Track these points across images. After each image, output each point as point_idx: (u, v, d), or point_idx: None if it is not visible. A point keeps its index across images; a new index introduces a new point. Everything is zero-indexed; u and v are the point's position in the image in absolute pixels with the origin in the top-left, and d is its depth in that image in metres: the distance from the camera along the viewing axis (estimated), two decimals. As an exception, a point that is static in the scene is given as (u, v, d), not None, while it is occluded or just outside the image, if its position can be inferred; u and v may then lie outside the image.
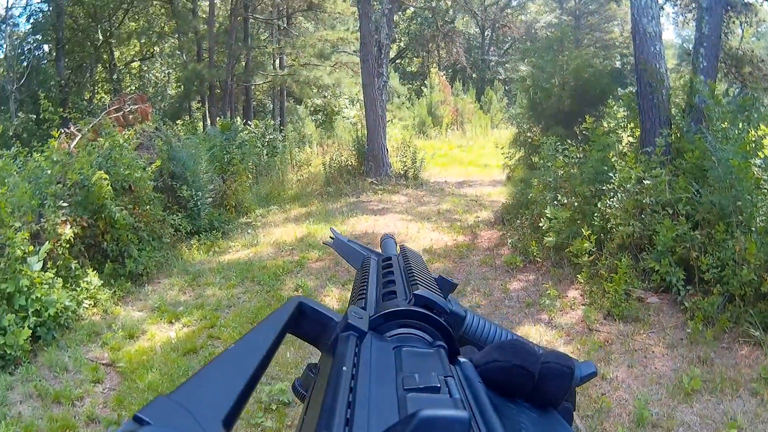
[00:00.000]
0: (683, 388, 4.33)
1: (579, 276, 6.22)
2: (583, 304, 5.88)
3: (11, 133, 10.47)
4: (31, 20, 18.92)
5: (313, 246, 8.40)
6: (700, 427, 3.98)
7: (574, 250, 6.30)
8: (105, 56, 20.55)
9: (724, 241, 5.15)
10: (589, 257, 6.17)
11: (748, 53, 9.69)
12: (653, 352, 4.93)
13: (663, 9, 9.38)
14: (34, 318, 5.31)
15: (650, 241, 5.86)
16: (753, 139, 5.42)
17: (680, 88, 7.26)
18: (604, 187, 6.50)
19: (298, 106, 22.28)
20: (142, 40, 21.30)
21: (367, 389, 0.39)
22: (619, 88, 8.84)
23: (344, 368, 0.41)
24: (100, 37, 19.99)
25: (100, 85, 20.99)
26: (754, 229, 5.09)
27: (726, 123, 5.72)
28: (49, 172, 6.58)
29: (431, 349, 0.51)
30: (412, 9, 25.46)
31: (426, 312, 0.57)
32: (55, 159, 6.81)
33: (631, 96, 7.43)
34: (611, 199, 6.32)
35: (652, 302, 5.65)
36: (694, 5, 8.42)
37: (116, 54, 21.12)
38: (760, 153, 5.41)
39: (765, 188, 5.26)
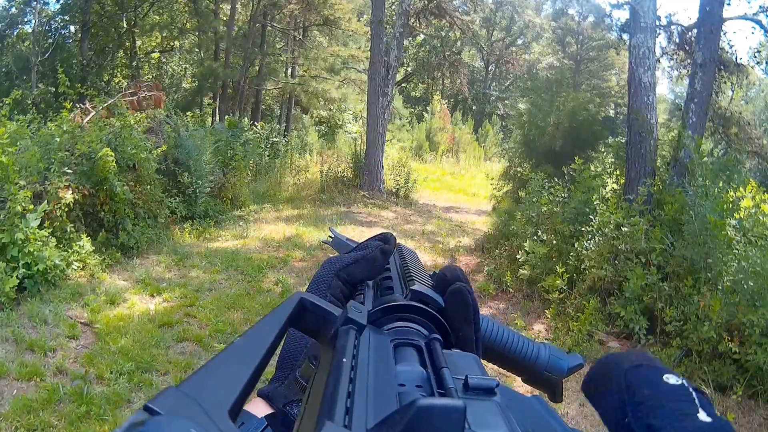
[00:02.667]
0: None
1: (547, 311, 6.22)
2: (546, 339, 5.85)
3: (30, 102, 10.44)
4: (61, 0, 18.98)
5: (299, 246, 8.43)
6: None
7: (546, 286, 6.31)
8: (128, 43, 20.54)
9: (690, 295, 5.16)
10: (559, 294, 6.19)
11: (736, 114, 9.81)
12: None
13: (659, 62, 9.48)
14: (24, 270, 5.34)
15: (619, 287, 5.86)
16: (731, 199, 5.45)
17: (668, 143, 7.33)
18: (583, 229, 6.52)
19: (304, 115, 22.31)
20: (164, 34, 21.38)
21: (365, 380, 0.39)
22: (610, 137, 8.90)
23: (344, 360, 0.41)
24: (125, 25, 20.04)
25: (119, 70, 20.97)
26: (720, 287, 5.10)
27: (707, 180, 5.75)
28: (58, 139, 6.60)
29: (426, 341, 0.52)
30: (422, 36, 25.59)
31: (422, 306, 0.57)
32: (65, 128, 6.83)
33: (620, 145, 7.49)
34: (588, 241, 6.35)
35: (613, 346, 5.64)
36: (689, 61, 8.53)
37: (138, 43, 21.12)
38: (735, 214, 5.44)
39: (736, 249, 5.25)
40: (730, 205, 5.44)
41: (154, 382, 4.33)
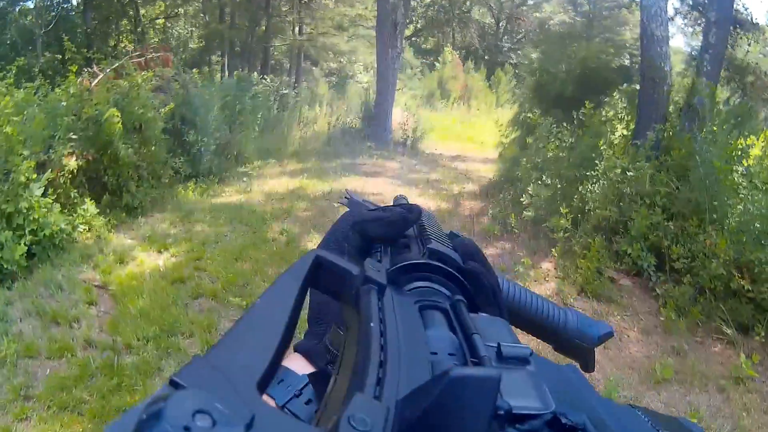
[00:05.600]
0: (655, 376, 4.24)
1: (553, 249, 6.11)
2: (556, 277, 5.77)
3: (37, 70, 10.31)
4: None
5: (302, 198, 8.37)
6: (663, 413, 3.87)
7: (551, 226, 6.21)
8: (131, 12, 20.21)
9: (696, 234, 5.04)
10: (564, 234, 6.08)
11: (752, 64, 9.53)
12: (628, 336, 4.82)
13: (672, 20, 9.21)
14: (30, 237, 5.30)
15: (624, 227, 5.75)
16: (740, 146, 5.27)
17: (682, 89, 7.09)
18: (588, 173, 6.39)
19: (314, 68, 22.04)
20: (167, 1, 20.99)
21: (397, 348, 0.37)
22: (625, 83, 8.66)
23: (372, 325, 0.39)
24: (127, -5, 19.67)
25: (124, 35, 20.69)
26: (726, 228, 4.96)
27: (717, 127, 5.57)
28: (65, 103, 6.53)
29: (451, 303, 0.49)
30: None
31: (441, 265, 0.54)
32: (71, 92, 6.74)
33: (633, 91, 7.31)
34: (593, 185, 6.22)
35: (625, 284, 5.53)
36: (703, 20, 8.22)
37: (141, 11, 20.79)
38: (744, 161, 5.26)
39: (742, 194, 5.10)
40: (739, 153, 5.24)
41: (181, 346, 4.30)
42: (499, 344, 0.40)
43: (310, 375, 0.58)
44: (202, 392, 0.24)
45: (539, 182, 6.98)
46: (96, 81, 7.91)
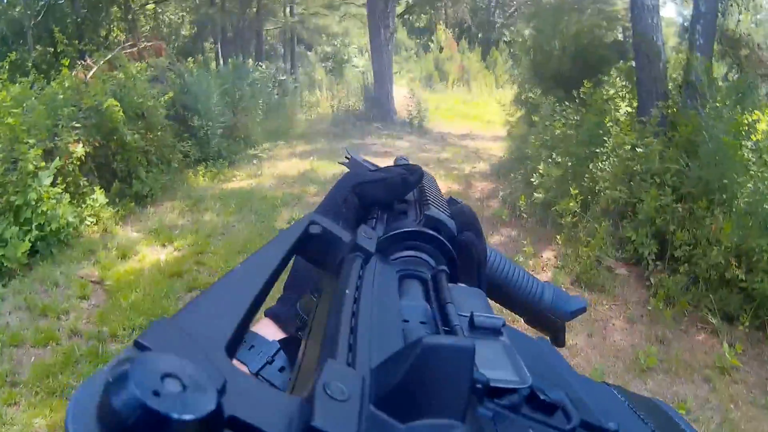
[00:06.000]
0: (639, 365, 4.24)
1: (558, 237, 6.05)
2: (555, 267, 5.74)
3: (30, 64, 10.29)
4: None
5: (313, 181, 8.33)
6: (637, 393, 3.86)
7: (560, 209, 6.11)
8: (120, -1, 20.04)
9: (704, 218, 4.97)
10: (572, 218, 5.99)
11: (745, 36, 9.38)
12: (613, 324, 4.81)
13: None
14: (37, 232, 5.27)
15: (633, 210, 5.68)
16: (747, 122, 5.17)
17: (679, 66, 6.99)
18: (597, 150, 6.29)
19: (308, 52, 21.92)
20: (156, -14, 20.76)
21: (369, 315, 0.36)
22: (621, 61, 8.56)
23: (347, 291, 0.39)
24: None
25: (115, 23, 20.51)
26: (734, 209, 4.90)
27: (719, 103, 5.50)
28: (62, 96, 6.47)
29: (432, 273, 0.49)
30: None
31: (432, 233, 0.54)
32: (67, 85, 6.71)
33: (630, 68, 7.19)
34: (603, 162, 6.12)
35: (620, 273, 5.48)
36: None
37: (130, -2, 20.60)
38: (752, 136, 5.18)
39: (752, 171, 5.01)
40: (746, 128, 5.15)
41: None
42: (472, 314, 0.39)
43: (281, 341, 0.57)
44: (170, 355, 0.23)
45: (550, 160, 6.89)
46: (90, 73, 7.92)
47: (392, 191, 0.63)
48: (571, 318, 0.75)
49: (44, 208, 5.30)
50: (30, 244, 5.12)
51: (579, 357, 4.30)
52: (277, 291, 0.63)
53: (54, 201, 5.45)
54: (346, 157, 0.83)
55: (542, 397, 0.33)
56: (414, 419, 0.27)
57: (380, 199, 0.63)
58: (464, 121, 14.61)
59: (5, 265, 4.93)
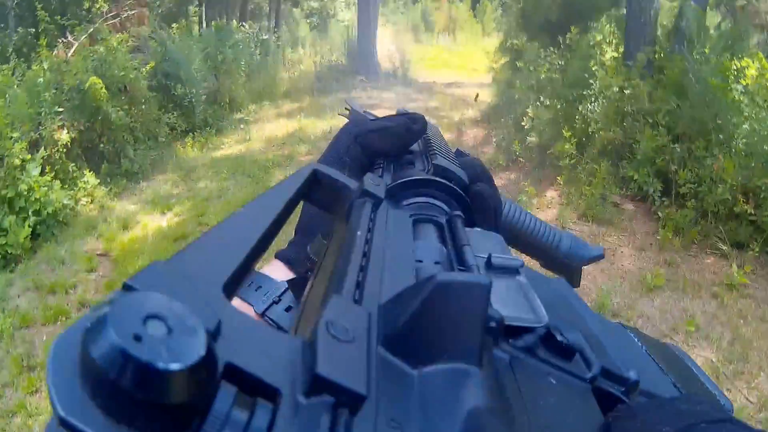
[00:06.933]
0: (646, 284, 4.28)
1: (559, 177, 6.05)
2: (560, 204, 5.75)
3: (11, 50, 10.09)
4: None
5: (303, 140, 8.28)
6: (659, 320, 3.94)
7: (556, 153, 6.12)
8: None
9: (704, 158, 4.96)
10: (570, 160, 5.98)
11: None
12: (622, 252, 4.85)
13: None
14: (34, 217, 5.27)
15: (630, 150, 5.67)
16: (735, 67, 5.12)
17: (671, 15, 6.93)
18: (585, 93, 6.26)
19: (294, 9, 21.48)
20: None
21: (381, 254, 0.35)
22: (613, 9, 8.44)
23: (358, 232, 0.37)
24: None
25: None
26: (733, 150, 4.88)
27: (707, 49, 5.46)
28: (41, 79, 6.33)
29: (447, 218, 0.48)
30: None
31: (444, 182, 0.52)
32: (46, 66, 6.58)
33: (620, 16, 7.11)
34: (593, 104, 6.10)
35: (627, 209, 5.52)
36: None
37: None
38: (742, 80, 5.11)
39: (746, 113, 4.97)
40: (735, 73, 5.10)
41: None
42: (489, 255, 0.38)
43: (289, 281, 0.56)
44: (156, 294, 0.20)
45: (538, 103, 6.86)
46: (72, 50, 7.78)
47: (396, 140, 0.61)
48: (588, 263, 0.75)
49: (37, 196, 5.30)
50: (30, 229, 5.13)
51: (586, 280, 4.32)
52: (288, 237, 0.63)
53: (45, 188, 5.44)
54: (345, 108, 0.80)
55: (559, 338, 0.32)
56: (426, 363, 0.25)
57: (384, 149, 0.62)
58: (449, 71, 14.49)
59: (9, 252, 4.95)
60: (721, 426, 0.28)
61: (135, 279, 0.23)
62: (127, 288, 0.23)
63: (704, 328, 3.82)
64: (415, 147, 0.65)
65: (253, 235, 0.32)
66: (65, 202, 5.61)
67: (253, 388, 0.21)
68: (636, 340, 0.44)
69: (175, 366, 0.17)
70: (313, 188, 0.45)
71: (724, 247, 4.62)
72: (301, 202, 0.45)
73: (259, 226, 0.33)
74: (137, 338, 0.18)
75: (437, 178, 0.52)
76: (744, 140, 4.85)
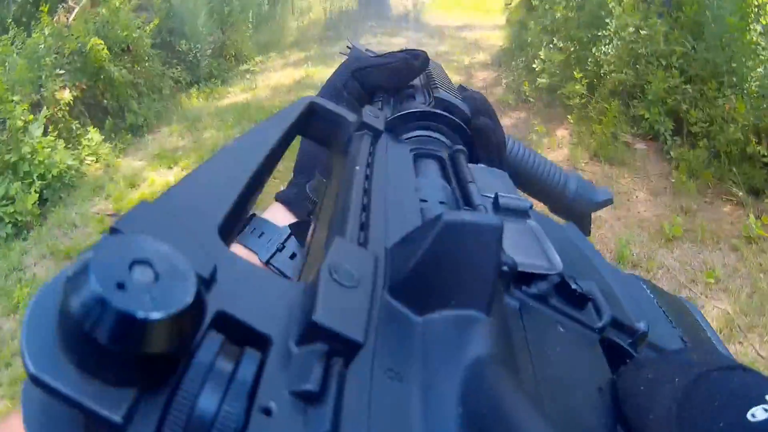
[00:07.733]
0: (664, 234, 4.21)
1: (569, 116, 5.95)
2: (570, 143, 5.68)
3: (9, 20, 10.03)
4: None
5: (309, 86, 8.13)
6: (679, 271, 3.88)
7: (566, 93, 6.01)
8: None
9: (716, 98, 4.82)
10: (580, 100, 5.88)
11: None
12: (637, 196, 4.77)
13: None
14: (40, 182, 5.25)
15: (642, 91, 5.54)
16: (756, 3, 4.88)
17: None
18: (600, 33, 6.09)
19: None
20: None
21: (382, 192, 0.34)
22: None
23: (357, 168, 0.36)
24: None
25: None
26: (745, 91, 4.73)
27: None
28: (42, 45, 6.26)
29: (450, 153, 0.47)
30: None
31: (446, 114, 0.51)
32: (47, 32, 6.48)
33: None
34: (606, 46, 5.96)
35: (639, 148, 5.40)
36: None
37: None
38: (762, 20, 4.88)
39: (762, 55, 4.78)
40: (755, 9, 4.87)
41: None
42: (496, 194, 0.37)
43: (292, 225, 0.55)
44: (143, 236, 0.18)
45: (551, 46, 6.72)
46: (72, 15, 7.66)
47: (396, 75, 0.59)
48: (596, 209, 0.73)
49: (40, 158, 5.27)
50: (37, 195, 5.12)
51: (604, 228, 4.30)
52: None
53: (49, 149, 5.41)
54: (347, 47, 0.77)
55: (573, 286, 0.31)
56: (433, 309, 0.24)
57: (383, 84, 0.59)
58: (463, 12, 14.18)
59: (20, 220, 4.94)
60: (732, 373, 0.27)
61: (122, 221, 0.22)
62: (113, 232, 0.21)
63: (724, 280, 3.77)
64: (416, 82, 0.63)
65: (247, 171, 0.30)
66: (70, 162, 5.58)
67: (244, 336, 0.19)
68: (648, 291, 0.43)
69: (155, 315, 0.16)
70: (310, 121, 0.44)
71: (740, 194, 4.52)
72: (299, 140, 0.44)
73: (253, 161, 0.31)
74: (120, 286, 0.16)
75: (439, 111, 0.51)
76: (756, 83, 4.71)
